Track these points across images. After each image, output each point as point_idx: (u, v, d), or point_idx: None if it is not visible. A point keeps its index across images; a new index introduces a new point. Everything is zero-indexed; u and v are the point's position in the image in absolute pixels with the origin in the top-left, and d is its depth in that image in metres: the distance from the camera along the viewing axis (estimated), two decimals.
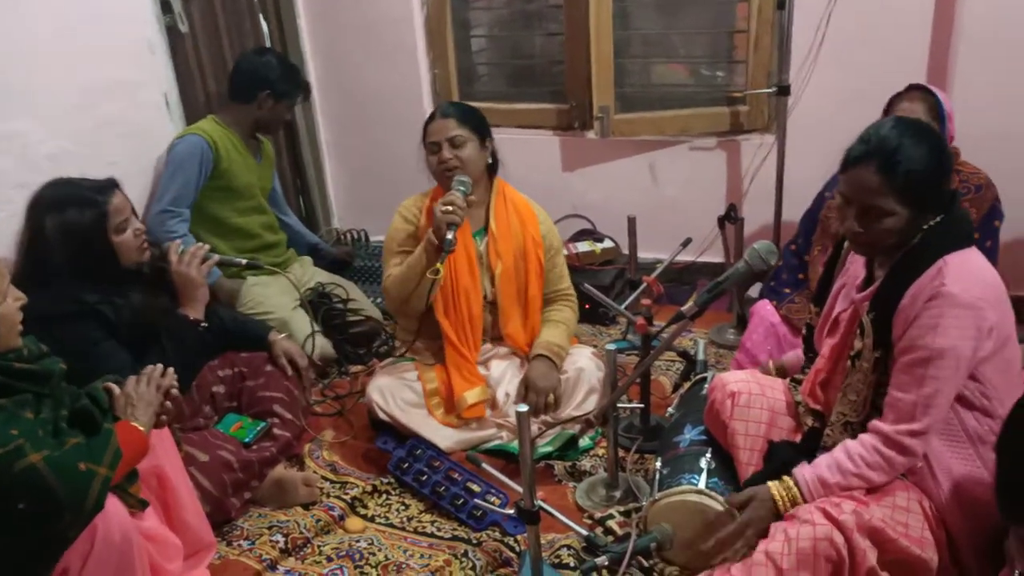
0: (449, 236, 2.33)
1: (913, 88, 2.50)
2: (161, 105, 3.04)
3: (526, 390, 2.53)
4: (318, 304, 3.10)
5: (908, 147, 1.64)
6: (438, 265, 2.35)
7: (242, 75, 3.06)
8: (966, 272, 1.66)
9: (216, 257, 2.45)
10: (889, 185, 1.64)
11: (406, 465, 2.42)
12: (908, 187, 1.64)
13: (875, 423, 1.74)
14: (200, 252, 2.38)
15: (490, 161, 2.59)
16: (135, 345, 2.20)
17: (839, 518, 1.65)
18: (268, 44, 3.69)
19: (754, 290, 3.24)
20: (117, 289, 2.21)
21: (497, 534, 2.21)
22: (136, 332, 2.20)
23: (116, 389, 1.81)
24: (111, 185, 2.23)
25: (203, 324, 2.33)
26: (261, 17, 3.65)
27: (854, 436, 1.79)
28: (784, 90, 3.17)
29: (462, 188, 2.42)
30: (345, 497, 2.38)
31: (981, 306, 1.63)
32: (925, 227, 1.70)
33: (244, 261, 2.62)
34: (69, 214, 2.14)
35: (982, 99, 2.95)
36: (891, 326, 1.71)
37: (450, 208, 2.35)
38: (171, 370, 1.87)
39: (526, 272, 2.62)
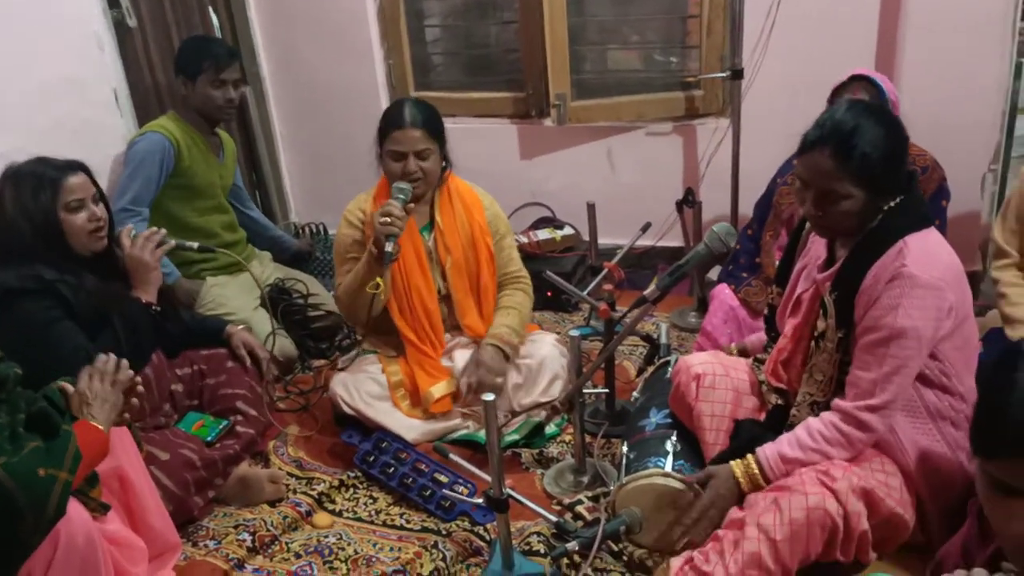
0: (388, 248, 2.29)
1: (855, 78, 2.53)
2: (111, 102, 2.98)
3: (475, 367, 2.49)
4: (278, 300, 3.07)
5: (863, 130, 1.66)
6: (378, 280, 2.35)
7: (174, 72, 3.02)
8: (926, 253, 1.69)
9: (172, 242, 2.41)
10: (844, 169, 1.66)
11: (372, 458, 2.40)
12: (864, 170, 1.66)
13: (836, 401, 1.78)
14: (155, 237, 2.34)
15: (444, 164, 2.56)
16: (89, 327, 2.17)
17: (833, 485, 1.68)
18: (219, 36, 3.63)
19: (713, 273, 3.28)
20: (71, 270, 2.17)
21: (467, 524, 2.22)
22: (90, 314, 2.17)
23: (70, 388, 1.77)
24: (74, 166, 2.20)
25: (155, 307, 2.30)
26: (211, 9, 3.59)
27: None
28: (737, 74, 3.20)
29: (401, 196, 2.35)
30: (312, 493, 2.36)
31: (941, 286, 1.66)
32: (885, 208, 1.73)
33: (196, 245, 2.56)
34: (24, 188, 2.12)
35: (928, 81, 3.01)
36: (853, 306, 1.74)
37: (387, 220, 2.30)
38: (125, 363, 1.82)
39: (476, 261, 2.60)
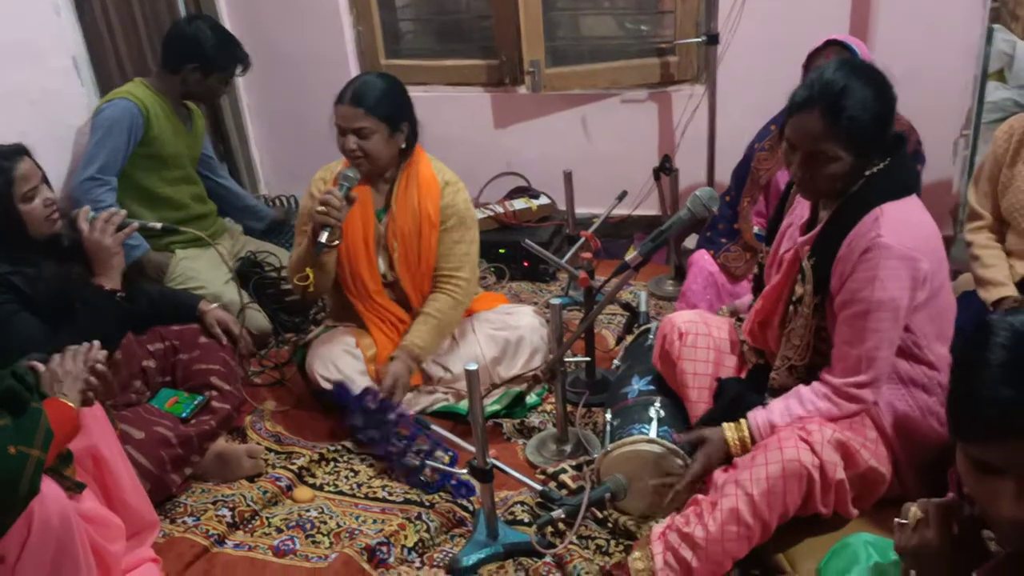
0: (322, 239, 2.24)
1: (830, 43, 2.51)
2: (70, 70, 2.88)
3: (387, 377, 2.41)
4: (250, 274, 3.01)
5: (852, 91, 1.63)
6: (307, 271, 2.30)
7: (171, 44, 2.88)
8: (902, 222, 1.68)
9: (135, 224, 2.25)
10: (833, 130, 1.64)
11: (360, 422, 2.35)
12: (852, 132, 1.64)
13: (824, 375, 1.78)
14: (115, 219, 2.19)
15: (403, 146, 2.43)
16: (49, 318, 2.08)
17: (808, 438, 1.69)
18: (182, 5, 3.51)
19: (690, 242, 3.28)
20: (28, 259, 2.08)
21: (449, 496, 2.20)
22: (50, 304, 2.08)
23: (41, 367, 1.72)
24: (18, 151, 2.08)
25: (119, 294, 2.19)
26: None
27: (799, 380, 1.84)
28: (713, 39, 3.18)
29: (345, 184, 2.28)
30: (292, 467, 2.33)
31: (915, 256, 1.66)
32: (868, 173, 1.71)
33: (160, 226, 2.46)
34: None
35: (901, 46, 3.00)
36: (830, 273, 1.73)
37: (323, 209, 2.23)
38: (97, 344, 1.79)
39: (418, 251, 2.49)
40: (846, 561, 1.49)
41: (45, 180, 2.14)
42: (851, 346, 1.72)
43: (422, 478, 2.25)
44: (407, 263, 2.50)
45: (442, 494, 2.21)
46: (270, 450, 2.44)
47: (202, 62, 2.85)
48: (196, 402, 2.35)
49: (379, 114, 2.33)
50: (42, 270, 2.09)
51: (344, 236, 2.40)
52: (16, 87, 2.63)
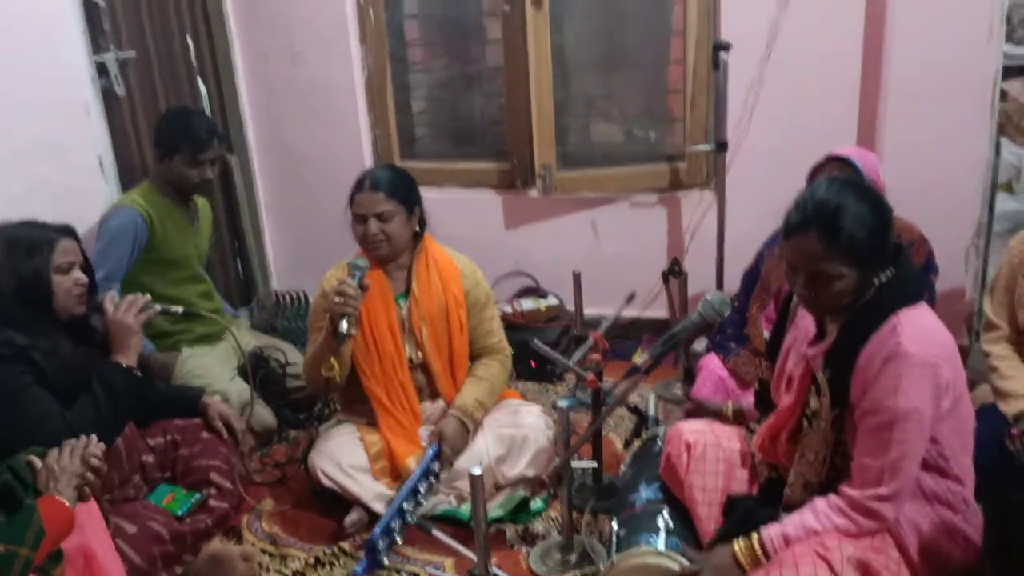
0: (342, 329, 2.29)
1: (832, 159, 2.54)
2: (95, 168, 2.96)
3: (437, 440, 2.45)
4: (256, 368, 2.99)
5: (846, 209, 1.63)
6: (332, 360, 2.34)
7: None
8: (919, 330, 1.66)
9: (157, 307, 2.32)
10: (833, 250, 1.63)
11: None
12: (852, 249, 1.63)
13: (843, 488, 1.72)
14: (139, 301, 2.28)
15: (417, 230, 2.54)
16: (63, 395, 2.09)
17: (827, 555, 1.62)
18: (207, 106, 3.63)
19: (698, 345, 3.25)
20: (47, 335, 2.11)
21: None
22: (64, 380, 2.11)
23: (38, 462, 1.70)
24: (68, 230, 2.19)
25: (136, 371, 2.23)
26: (199, 79, 3.60)
27: (815, 495, 1.77)
28: (722, 147, 3.24)
29: (358, 274, 2.35)
30: (286, 571, 2.26)
31: (937, 363, 1.63)
32: (877, 282, 1.70)
33: (180, 309, 2.46)
34: (18, 248, 2.09)
35: (910, 156, 3.05)
36: (848, 385, 1.69)
37: (340, 300, 2.28)
38: (94, 438, 1.76)
39: (448, 333, 2.56)
40: None
41: (84, 266, 2.22)
42: (873, 458, 1.66)
43: None
44: (436, 344, 2.54)
45: None
46: (265, 552, 2.37)
47: (157, 142, 2.87)
48: (193, 500, 2.31)
49: (398, 197, 2.43)
50: (59, 347, 2.13)
51: (367, 323, 2.44)
52: (41, 182, 2.70)
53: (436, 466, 2.39)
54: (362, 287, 2.33)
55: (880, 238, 1.68)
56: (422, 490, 2.34)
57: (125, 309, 2.25)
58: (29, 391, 2.04)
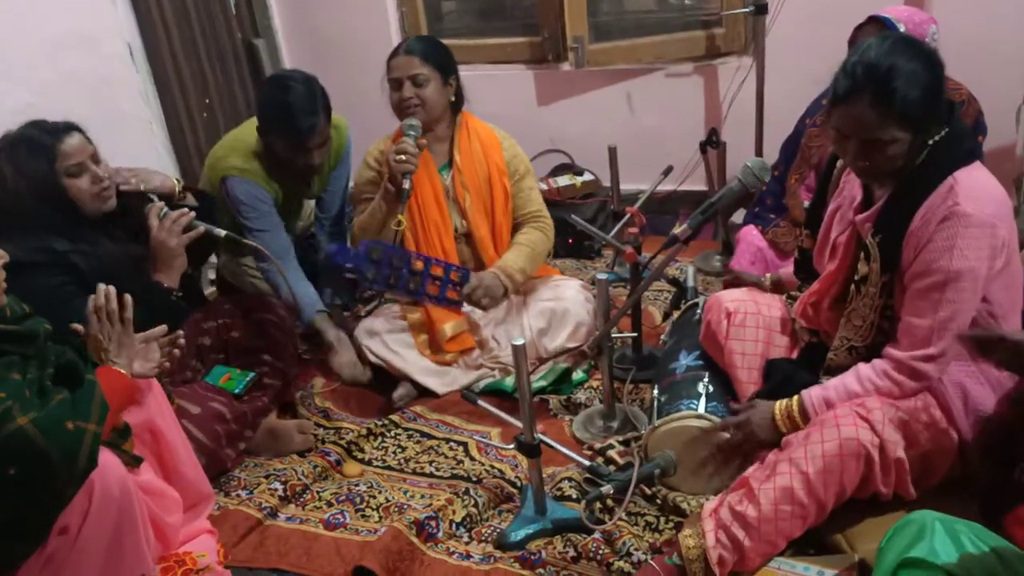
0: (405, 185, 2.33)
1: (871, 21, 2.43)
2: (125, 56, 2.94)
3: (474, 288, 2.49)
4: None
5: (899, 68, 1.56)
6: (400, 216, 2.36)
7: None
8: (977, 189, 1.62)
9: (201, 227, 2.20)
10: (887, 115, 1.57)
11: (371, 275, 2.35)
12: (907, 112, 1.57)
13: (888, 349, 1.73)
14: (183, 220, 2.16)
15: (453, 99, 2.54)
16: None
17: (869, 416, 1.65)
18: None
19: (737, 217, 3.23)
20: (85, 236, 2.07)
21: (497, 471, 2.21)
22: (113, 279, 1.98)
23: (81, 329, 1.77)
24: (67, 127, 2.06)
25: (177, 293, 2.17)
26: None
27: (859, 360, 1.78)
28: (761, 9, 3.11)
29: (412, 133, 2.38)
30: (341, 442, 2.36)
31: (994, 223, 1.61)
32: (930, 143, 1.65)
33: (224, 233, 2.31)
34: (19, 154, 2.00)
35: (961, 14, 2.90)
36: (900, 249, 1.67)
37: (403, 157, 2.32)
38: (113, 290, 1.77)
39: (491, 201, 2.60)
40: (910, 538, 1.35)
41: (95, 158, 2.11)
42: (922, 318, 1.66)
43: (447, 299, 2.41)
44: (481, 212, 2.58)
45: (490, 468, 2.22)
46: (319, 425, 2.47)
47: (260, 119, 2.63)
48: (248, 378, 2.38)
49: (433, 62, 2.44)
50: (100, 248, 2.09)
51: (412, 194, 2.43)
52: (72, 72, 2.71)
53: (454, 275, 2.45)
54: (419, 146, 2.37)
55: (935, 97, 1.61)
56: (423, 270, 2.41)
57: (168, 229, 2.14)
58: (72, 304, 1.94)
